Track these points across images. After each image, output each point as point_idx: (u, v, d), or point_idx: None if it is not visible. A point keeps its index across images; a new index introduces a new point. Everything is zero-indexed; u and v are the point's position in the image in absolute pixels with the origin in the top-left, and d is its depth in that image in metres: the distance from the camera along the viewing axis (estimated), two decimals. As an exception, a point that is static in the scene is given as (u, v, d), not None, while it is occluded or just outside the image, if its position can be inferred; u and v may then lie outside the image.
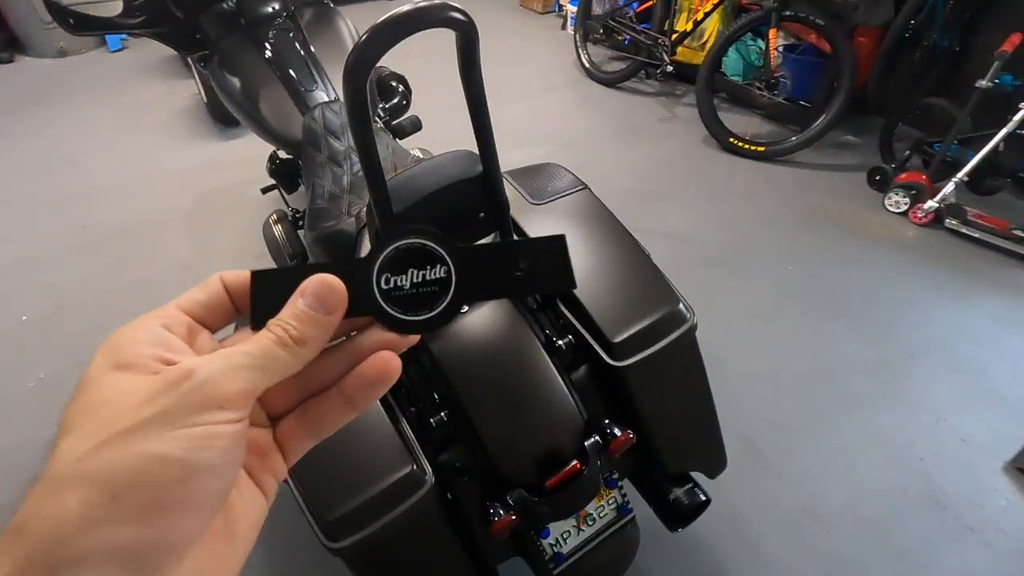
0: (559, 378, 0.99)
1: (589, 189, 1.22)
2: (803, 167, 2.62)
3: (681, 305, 1.05)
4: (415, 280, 0.27)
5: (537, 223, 1.16)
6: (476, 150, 0.78)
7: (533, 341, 1.01)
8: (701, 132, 2.82)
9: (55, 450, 0.21)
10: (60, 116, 3.21)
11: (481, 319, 1.00)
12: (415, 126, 1.99)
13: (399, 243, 0.27)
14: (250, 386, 0.22)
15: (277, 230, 1.62)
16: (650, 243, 2.15)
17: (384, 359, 0.26)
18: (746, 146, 2.68)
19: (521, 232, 1.15)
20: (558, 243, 0.29)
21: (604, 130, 2.98)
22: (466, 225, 0.74)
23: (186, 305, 0.26)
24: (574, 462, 0.95)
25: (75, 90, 3.48)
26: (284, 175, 1.72)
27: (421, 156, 1.96)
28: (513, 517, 0.92)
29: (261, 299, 0.25)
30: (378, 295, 0.26)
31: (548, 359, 1.00)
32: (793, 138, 2.63)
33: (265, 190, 1.93)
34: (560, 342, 1.04)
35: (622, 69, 3.34)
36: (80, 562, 0.19)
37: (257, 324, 0.25)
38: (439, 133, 2.92)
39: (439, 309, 0.27)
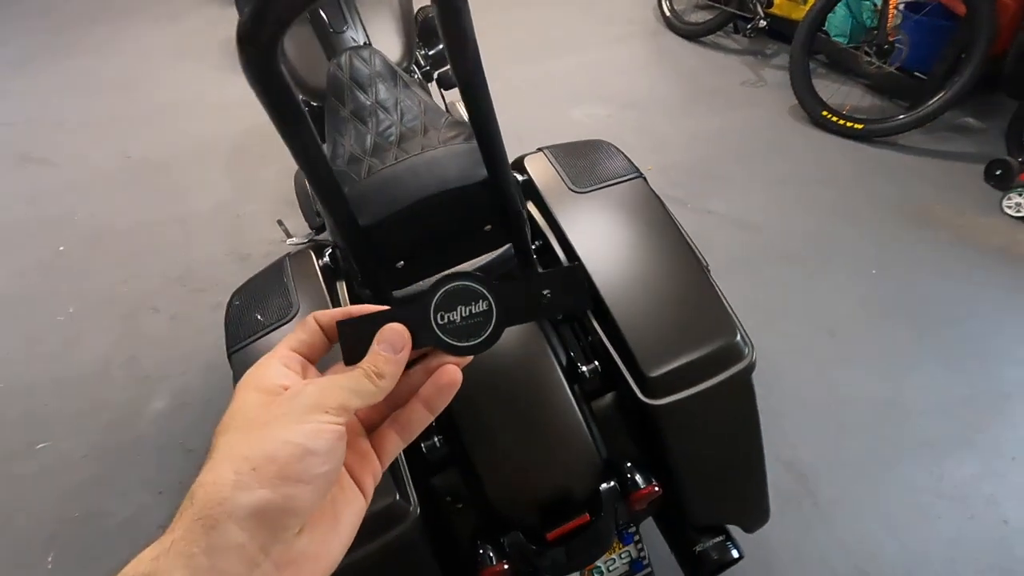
0: (576, 409, 0.84)
1: (644, 178, 1.02)
2: (907, 152, 2.26)
3: (739, 338, 0.86)
4: (464, 314, 0.34)
5: (576, 216, 0.97)
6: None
7: (551, 364, 0.85)
8: (789, 101, 2.47)
9: (214, 445, 0.28)
10: (119, 37, 3.17)
11: (502, 342, 0.85)
12: (463, 77, 1.79)
13: (448, 287, 0.33)
14: (344, 403, 0.30)
15: (306, 184, 1.50)
16: (712, 229, 1.91)
17: (450, 370, 0.34)
18: (841, 121, 2.32)
19: (556, 225, 0.97)
20: (576, 274, 0.36)
21: (676, 91, 2.67)
22: (466, 240, 0.58)
23: (294, 345, 0.33)
24: (584, 513, 0.81)
25: (136, 10, 3.42)
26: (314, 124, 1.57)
27: (460, 118, 1.77)
28: (505, 566, 0.80)
29: (348, 342, 0.33)
30: (436, 330, 0.33)
31: (566, 386, 0.84)
32: (901, 116, 2.25)
33: (299, 136, 1.80)
34: (584, 368, 0.88)
35: (707, 20, 2.96)
36: (231, 517, 0.26)
37: (348, 361, 0.32)
38: (492, 86, 2.68)
39: (485, 335, 0.34)
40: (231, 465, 0.27)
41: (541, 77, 2.74)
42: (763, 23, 2.64)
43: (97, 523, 1.37)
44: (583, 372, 0.88)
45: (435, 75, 1.76)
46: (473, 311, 0.34)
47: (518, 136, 2.39)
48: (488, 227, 0.58)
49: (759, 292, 1.76)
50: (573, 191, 1.00)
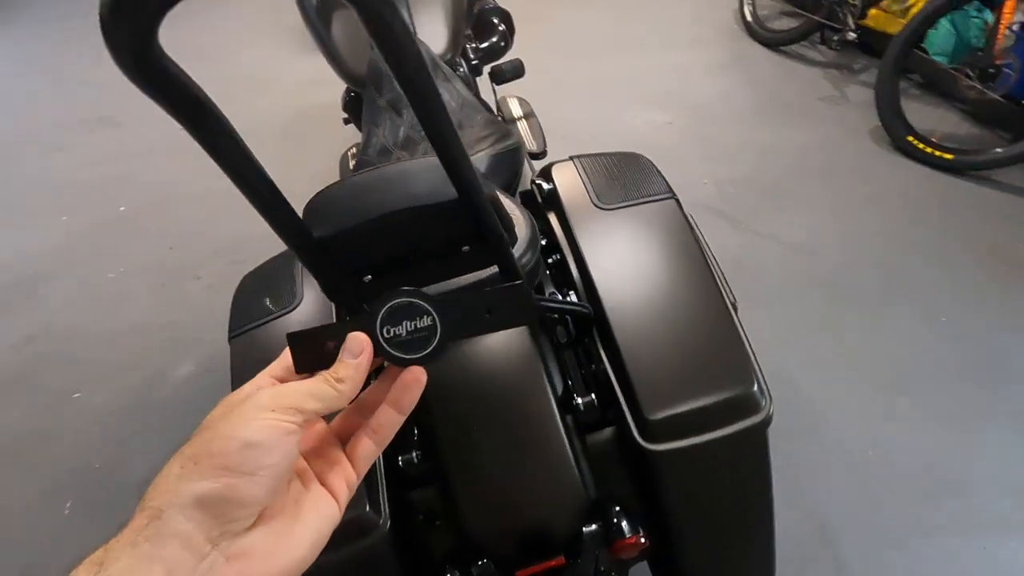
0: (565, 442, 0.78)
1: (677, 200, 0.93)
2: (1001, 190, 2.02)
3: (756, 388, 0.78)
4: (409, 329, 0.35)
5: (596, 234, 0.90)
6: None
7: (543, 390, 0.79)
8: (871, 122, 2.26)
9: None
10: (204, 12, 3.30)
11: (490, 353, 0.80)
12: (516, 71, 1.73)
13: (392, 302, 0.35)
14: (297, 404, 0.31)
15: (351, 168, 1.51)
16: (764, 252, 1.78)
17: (415, 371, 0.36)
18: (928, 149, 2.11)
19: (574, 241, 0.90)
20: (520, 292, 0.38)
21: (746, 100, 2.51)
22: (444, 259, 0.53)
23: (274, 372, 0.35)
24: (559, 556, 0.75)
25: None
26: (356, 111, 1.57)
27: (497, 116, 1.72)
28: None
29: (297, 353, 0.35)
30: (383, 343, 0.35)
31: (557, 415, 0.79)
32: (999, 149, 2.01)
33: (347, 121, 1.81)
34: (579, 400, 0.82)
35: (792, 28, 2.76)
36: (174, 506, 0.27)
37: (299, 370, 0.35)
38: (547, 82, 2.62)
39: (430, 349, 0.36)
40: (177, 461, 0.29)
41: (601, 76, 2.64)
42: (853, 35, 2.43)
43: (114, 478, 1.43)
44: (578, 404, 0.82)
45: (486, 70, 1.72)
46: (418, 326, 0.36)
47: (565, 137, 2.31)
48: (466, 248, 0.52)
49: (809, 328, 1.62)
50: (597, 207, 0.93)
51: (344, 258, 0.50)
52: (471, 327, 0.38)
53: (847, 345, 1.58)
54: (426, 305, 0.36)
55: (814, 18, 2.63)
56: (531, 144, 1.69)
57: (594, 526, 0.77)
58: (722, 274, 0.91)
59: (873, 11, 2.48)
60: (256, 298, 0.99)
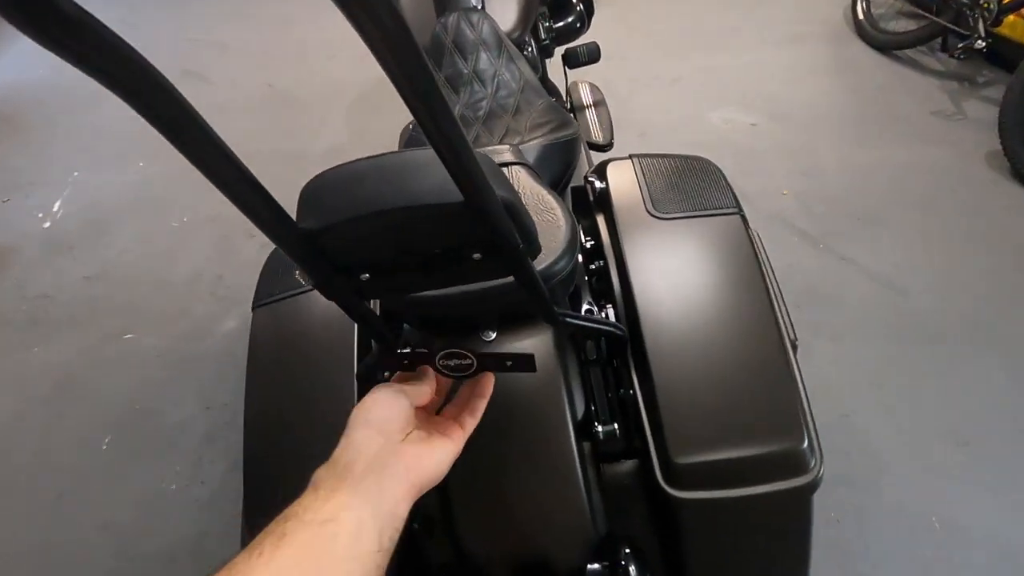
0: (578, 469, 0.71)
1: (743, 217, 0.82)
2: None
3: (806, 445, 0.67)
4: (456, 363, 0.53)
5: (646, 245, 0.81)
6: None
7: (561, 410, 0.72)
8: (991, 145, 1.99)
9: None
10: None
11: (510, 374, 0.74)
12: (592, 55, 1.62)
13: (445, 351, 0.53)
14: (397, 395, 0.49)
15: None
16: (843, 280, 1.61)
17: (487, 377, 0.57)
18: (1057, 183, 1.83)
19: (620, 251, 0.81)
20: (530, 365, 0.55)
21: (846, 108, 2.27)
22: (452, 265, 0.46)
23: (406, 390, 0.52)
24: None
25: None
26: None
27: (564, 102, 1.61)
28: None
29: (384, 358, 0.61)
30: (440, 368, 0.53)
31: (573, 440, 0.71)
32: None
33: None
34: (600, 428, 0.74)
35: (909, 31, 2.47)
36: (354, 425, 0.46)
37: (383, 371, 0.66)
38: (624, 71, 2.46)
39: (470, 373, 0.54)
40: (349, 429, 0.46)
41: (686, 72, 2.47)
42: (981, 44, 2.14)
43: (152, 420, 1.48)
44: (598, 431, 0.74)
45: (558, 51, 1.62)
46: (462, 363, 0.53)
47: (641, 132, 2.18)
48: (477, 255, 0.45)
49: (882, 370, 1.45)
50: (652, 214, 0.84)
51: (336, 255, 0.44)
52: (497, 368, 0.55)
53: (923, 394, 1.40)
54: (469, 355, 0.53)
55: (938, 21, 2.34)
56: (596, 135, 1.58)
57: (598, 565, 0.70)
58: (785, 307, 0.79)
59: (1011, 17, 2.17)
60: (284, 270, 0.96)
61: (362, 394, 0.80)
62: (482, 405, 0.54)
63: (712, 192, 0.85)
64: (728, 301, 0.75)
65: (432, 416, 0.53)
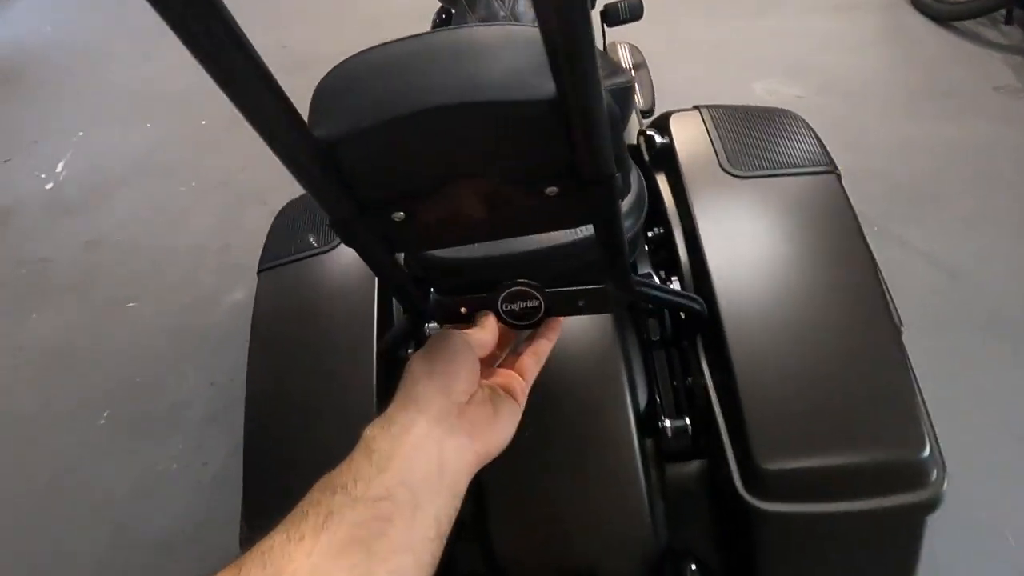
0: (640, 470, 0.60)
1: (838, 176, 0.70)
2: None
3: (927, 454, 0.55)
4: (521, 306, 0.46)
5: (720, 208, 0.68)
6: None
7: (622, 401, 0.61)
8: (1062, 123, 1.83)
9: None
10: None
11: (563, 343, 0.62)
12: (633, 12, 1.47)
13: (510, 289, 0.45)
14: (462, 344, 0.41)
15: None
16: (898, 265, 1.45)
17: (554, 320, 0.48)
18: None
19: (688, 214, 0.69)
20: (604, 301, 0.47)
21: (900, 81, 2.10)
22: (513, 206, 0.34)
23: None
24: None
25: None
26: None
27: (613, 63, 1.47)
28: None
29: (441, 309, 0.49)
30: (503, 314, 0.46)
31: (635, 436, 0.60)
32: None
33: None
34: (667, 423, 0.62)
35: (971, 2, 2.28)
36: (414, 375, 0.38)
37: (441, 322, 0.53)
38: (664, 35, 2.30)
39: (535, 320, 0.47)
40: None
41: (728, 37, 2.30)
42: (1057, 13, 1.96)
43: (152, 395, 1.39)
44: (665, 427, 0.62)
45: (597, 5, 1.47)
46: (528, 305, 0.46)
47: (678, 101, 2.02)
48: (553, 189, 0.33)
49: (940, 363, 1.31)
50: (727, 172, 0.71)
51: (362, 181, 0.32)
52: (568, 310, 0.47)
53: (985, 386, 1.27)
54: (536, 294, 0.45)
55: (1005, -10, 2.15)
56: (637, 100, 1.44)
57: None
58: (887, 286, 0.67)
59: (1090, -14, 1.98)
60: (295, 230, 0.85)
61: (382, 373, 0.69)
62: (547, 348, 0.47)
63: (800, 147, 0.72)
64: (825, 275, 0.62)
65: (491, 370, 0.45)
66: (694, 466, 0.67)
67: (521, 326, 0.47)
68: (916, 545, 0.57)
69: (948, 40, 2.28)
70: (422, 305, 0.50)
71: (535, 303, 0.46)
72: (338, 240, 0.79)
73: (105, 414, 1.36)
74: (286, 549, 0.28)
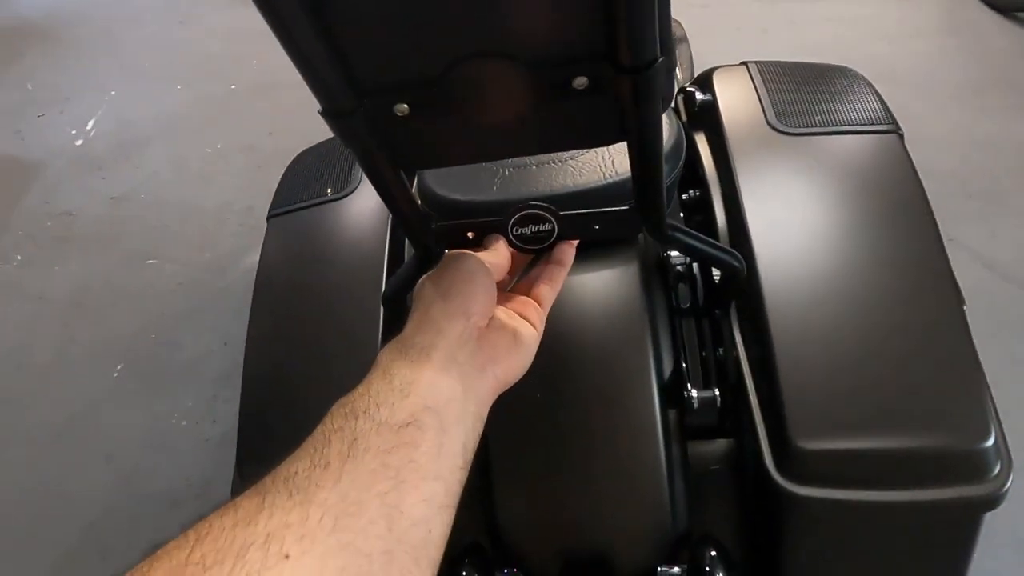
0: (661, 445, 0.55)
1: (901, 136, 0.63)
2: None
3: (991, 443, 0.49)
4: (533, 230, 0.43)
5: (766, 167, 0.62)
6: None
7: (644, 368, 0.56)
8: None
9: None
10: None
11: (581, 297, 0.58)
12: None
13: (522, 212, 0.43)
14: (478, 265, 0.38)
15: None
16: (959, 267, 1.38)
17: (567, 244, 0.46)
18: None
19: (730, 175, 0.63)
20: (624, 226, 0.44)
21: (961, 75, 1.98)
22: (535, 105, 0.29)
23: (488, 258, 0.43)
24: None
25: None
26: None
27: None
28: None
29: (446, 233, 0.45)
30: (512, 238, 0.44)
31: (657, 406, 0.55)
32: None
33: None
34: (694, 393, 0.57)
35: (1041, -9, 2.14)
36: (435, 302, 0.36)
37: (448, 248, 0.46)
38: (704, 15, 2.21)
39: (547, 244, 0.44)
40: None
41: (775, 22, 2.20)
42: None
43: (166, 352, 1.38)
44: (690, 397, 0.57)
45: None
46: (540, 228, 0.43)
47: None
48: (582, 81, 0.28)
49: (1000, 372, 1.23)
50: (774, 128, 0.65)
51: (360, 51, 0.28)
52: (582, 234, 0.45)
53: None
54: (550, 217, 0.43)
55: (1082, -21, 2.00)
56: (676, 73, 1.38)
57: (676, 568, 0.54)
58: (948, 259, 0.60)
59: None
60: (308, 178, 0.81)
61: (388, 320, 0.65)
62: (562, 274, 0.45)
63: (858, 104, 0.66)
64: (882, 241, 0.56)
65: (506, 295, 0.43)
66: (719, 445, 0.61)
67: (532, 250, 0.45)
68: (969, 547, 0.51)
69: (1016, 33, 2.14)
70: (429, 240, 0.45)
71: (548, 226, 0.43)
72: (351, 188, 0.75)
73: (119, 367, 1.36)
74: (311, 476, 0.25)
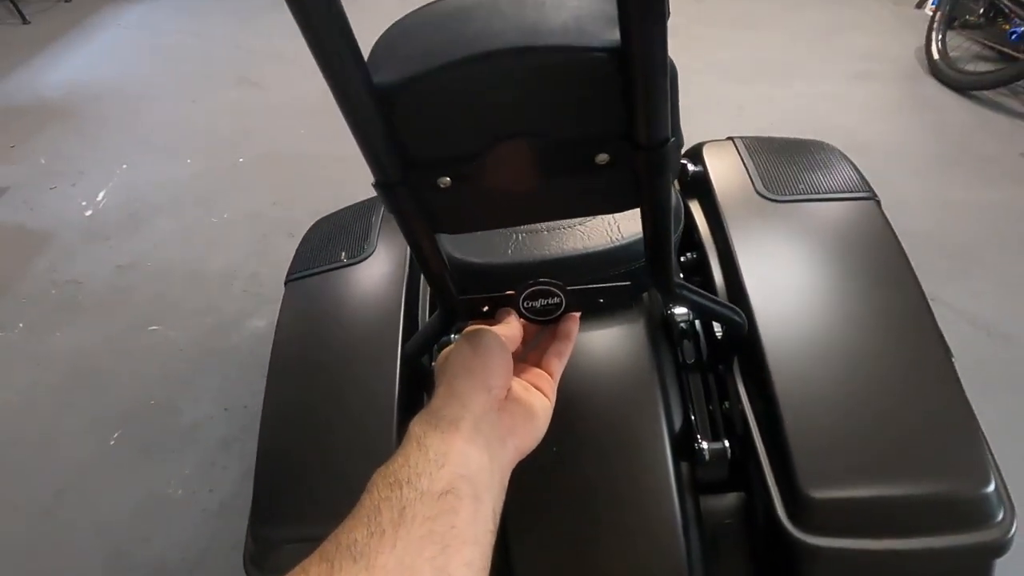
0: (675, 498, 0.56)
1: (878, 202, 0.69)
2: None
3: (991, 489, 0.51)
4: (542, 303, 0.47)
5: (757, 232, 0.67)
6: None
7: (656, 423, 0.58)
8: (1094, 189, 1.81)
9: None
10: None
11: (600, 368, 0.60)
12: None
13: (533, 288, 0.46)
14: (495, 340, 0.41)
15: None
16: (940, 326, 1.43)
17: (572, 317, 0.48)
18: None
19: (724, 239, 0.68)
20: (623, 294, 0.53)
21: (927, 147, 2.12)
22: (560, 175, 0.34)
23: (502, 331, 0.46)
24: None
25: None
26: None
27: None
28: None
29: (466, 306, 0.49)
30: (523, 310, 0.47)
31: (669, 460, 0.57)
32: None
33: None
34: (704, 445, 0.59)
35: (990, 72, 2.33)
36: (458, 375, 0.38)
37: (464, 320, 0.50)
38: (687, 98, 2.35)
39: (555, 316, 0.47)
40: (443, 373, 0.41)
41: (750, 99, 2.37)
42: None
43: (165, 418, 1.37)
44: (701, 449, 0.59)
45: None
46: (549, 302, 0.47)
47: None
48: (604, 157, 0.33)
49: (996, 426, 1.25)
50: (762, 196, 0.70)
51: (412, 132, 0.32)
52: (586, 306, 0.47)
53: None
54: (557, 291, 0.46)
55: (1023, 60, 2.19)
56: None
57: None
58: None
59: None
60: (325, 244, 0.86)
61: (404, 379, 0.67)
62: (569, 347, 0.48)
63: (837, 174, 0.72)
64: (870, 299, 0.60)
65: (519, 365, 0.45)
66: (729, 499, 0.62)
67: (541, 321, 0.48)
68: (983, 591, 0.52)
69: (971, 108, 2.32)
70: (455, 301, 0.49)
71: (556, 300, 0.46)
72: (366, 254, 0.79)
73: (116, 434, 1.34)
74: (370, 543, 0.28)
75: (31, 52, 2.92)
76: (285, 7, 0.26)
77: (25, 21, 3.17)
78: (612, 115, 0.31)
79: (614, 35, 0.27)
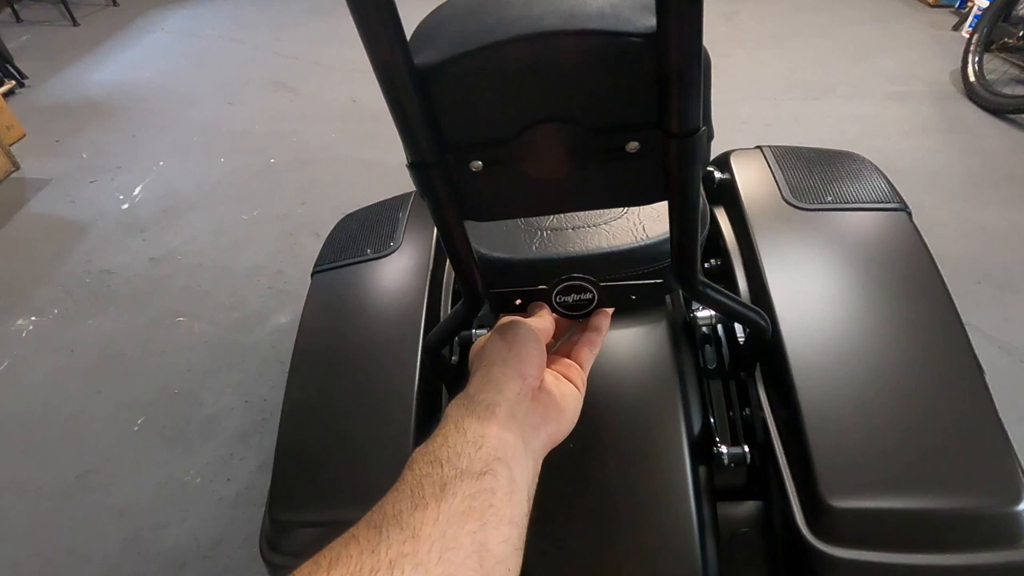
0: (692, 504, 0.56)
1: (909, 213, 0.68)
2: None
3: (1023, 506, 0.49)
4: (575, 298, 0.47)
5: (784, 240, 0.67)
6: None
7: (675, 425, 0.57)
8: None
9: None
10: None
11: (621, 370, 0.60)
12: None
13: (567, 283, 0.47)
14: (530, 331, 0.43)
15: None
16: (976, 351, 1.39)
17: (603, 312, 0.49)
18: None
19: (750, 246, 0.67)
20: (656, 292, 0.55)
21: (961, 169, 2.08)
22: (589, 159, 0.34)
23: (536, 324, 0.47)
24: None
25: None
26: None
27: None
28: None
29: (498, 300, 0.50)
30: (556, 305, 0.48)
31: (687, 463, 0.56)
32: None
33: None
34: (724, 449, 0.58)
35: (1030, 95, 2.28)
36: (495, 363, 0.39)
37: (497, 312, 0.51)
38: (715, 110, 2.35)
39: (587, 311, 0.48)
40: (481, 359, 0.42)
41: (779, 118, 2.35)
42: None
43: (187, 407, 1.40)
44: (720, 453, 0.58)
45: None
46: (581, 298, 0.47)
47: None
48: (634, 145, 0.33)
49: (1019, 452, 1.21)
50: (790, 204, 0.70)
51: (449, 114, 0.33)
52: (618, 302, 0.48)
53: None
54: (590, 287, 0.47)
55: (1068, 86, 2.14)
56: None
57: None
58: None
59: None
60: (352, 238, 0.87)
61: (425, 369, 0.68)
62: (600, 340, 0.48)
63: (867, 185, 0.71)
64: (899, 310, 0.59)
65: (551, 357, 0.45)
66: (746, 507, 0.61)
67: (573, 316, 0.48)
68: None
69: (1008, 131, 2.27)
70: (480, 292, 0.49)
71: (588, 295, 0.47)
72: (392, 249, 0.80)
73: (140, 420, 1.37)
74: (415, 514, 0.29)
75: (79, 53, 3.05)
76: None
77: (75, 23, 3.32)
78: (645, 102, 0.31)
79: (650, 21, 0.28)
